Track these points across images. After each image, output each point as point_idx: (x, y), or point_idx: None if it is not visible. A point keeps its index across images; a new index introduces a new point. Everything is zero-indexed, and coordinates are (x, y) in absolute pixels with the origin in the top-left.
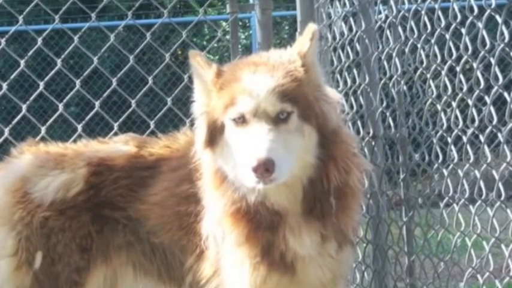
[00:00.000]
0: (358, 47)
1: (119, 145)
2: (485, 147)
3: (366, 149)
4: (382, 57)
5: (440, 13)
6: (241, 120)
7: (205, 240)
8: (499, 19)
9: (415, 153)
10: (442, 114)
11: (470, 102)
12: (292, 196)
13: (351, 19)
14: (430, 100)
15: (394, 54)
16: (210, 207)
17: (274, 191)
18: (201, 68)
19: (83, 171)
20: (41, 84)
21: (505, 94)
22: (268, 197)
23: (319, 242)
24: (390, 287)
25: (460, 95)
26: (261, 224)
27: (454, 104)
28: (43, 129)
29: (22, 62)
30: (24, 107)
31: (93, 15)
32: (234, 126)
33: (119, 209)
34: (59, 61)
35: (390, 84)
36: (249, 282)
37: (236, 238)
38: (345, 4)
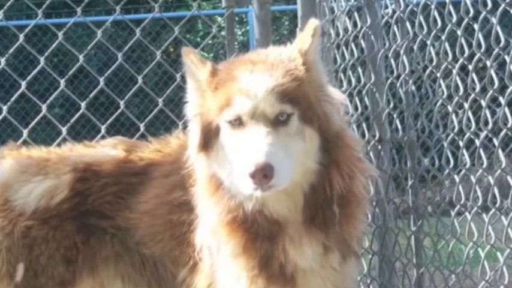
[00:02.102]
0: (363, 44)
1: (107, 149)
2: (500, 151)
3: (371, 154)
4: (389, 55)
5: (451, 7)
6: (237, 122)
7: (199, 252)
8: None
9: (425, 158)
10: (454, 116)
11: (483, 103)
12: (292, 204)
13: (356, 14)
14: (440, 101)
15: (401, 52)
16: (204, 216)
17: (273, 198)
18: (195, 66)
19: (67, 177)
20: (23, 83)
21: None
22: (267, 205)
23: (321, 254)
24: None
25: (473, 95)
26: (258, 234)
27: (466, 105)
28: (25, 132)
29: (2, 60)
30: (4, 108)
31: (78, 10)
32: (229, 129)
33: (107, 217)
34: (42, 59)
35: (398, 84)
36: None
37: (232, 249)
38: None
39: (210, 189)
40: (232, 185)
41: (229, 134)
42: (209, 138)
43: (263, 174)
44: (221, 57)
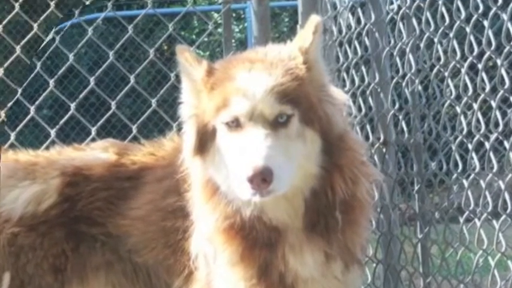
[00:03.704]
0: (367, 42)
1: (97, 152)
2: (511, 154)
3: (376, 157)
4: (394, 53)
5: (459, 3)
6: (235, 124)
7: (195, 260)
8: None
9: (432, 162)
10: (462, 118)
11: (493, 104)
12: (292, 210)
13: (359, 10)
14: (448, 101)
15: (407, 50)
16: (199, 223)
17: (273, 204)
18: (190, 65)
19: (56, 182)
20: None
21: None
22: (266, 211)
23: (323, 262)
24: None
25: (482, 95)
26: (257, 242)
27: (475, 106)
28: (12, 135)
29: None
30: None
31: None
32: (226, 131)
33: (97, 224)
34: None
35: (403, 84)
36: None
37: (229, 257)
38: None
39: (206, 195)
40: (229, 190)
41: (226, 136)
42: (205, 140)
43: (262, 179)
44: (217, 55)
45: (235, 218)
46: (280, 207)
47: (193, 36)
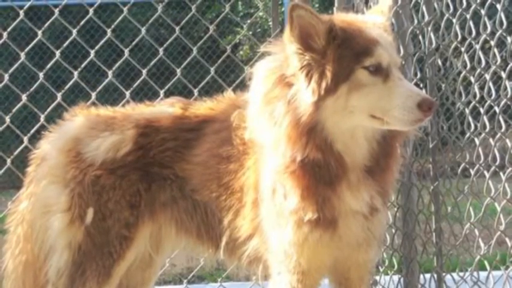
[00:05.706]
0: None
1: (165, 107)
2: None
3: None
4: (417, 32)
5: None
6: (374, 68)
7: (244, 197)
8: None
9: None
10: (476, 86)
11: (503, 74)
12: (366, 150)
13: None
14: (463, 72)
15: (429, 29)
16: (273, 160)
17: (355, 142)
18: (311, 19)
19: (131, 133)
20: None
21: None
22: (350, 146)
23: (371, 198)
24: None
25: (493, 67)
26: (320, 180)
27: (487, 77)
28: (93, 94)
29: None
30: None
31: None
32: (368, 74)
33: (167, 167)
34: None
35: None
36: (294, 240)
37: (294, 195)
38: None
39: (292, 136)
40: (364, 119)
41: (368, 78)
42: (336, 82)
43: (429, 106)
44: (258, 34)
45: (315, 156)
46: (360, 145)
47: (238, 19)
